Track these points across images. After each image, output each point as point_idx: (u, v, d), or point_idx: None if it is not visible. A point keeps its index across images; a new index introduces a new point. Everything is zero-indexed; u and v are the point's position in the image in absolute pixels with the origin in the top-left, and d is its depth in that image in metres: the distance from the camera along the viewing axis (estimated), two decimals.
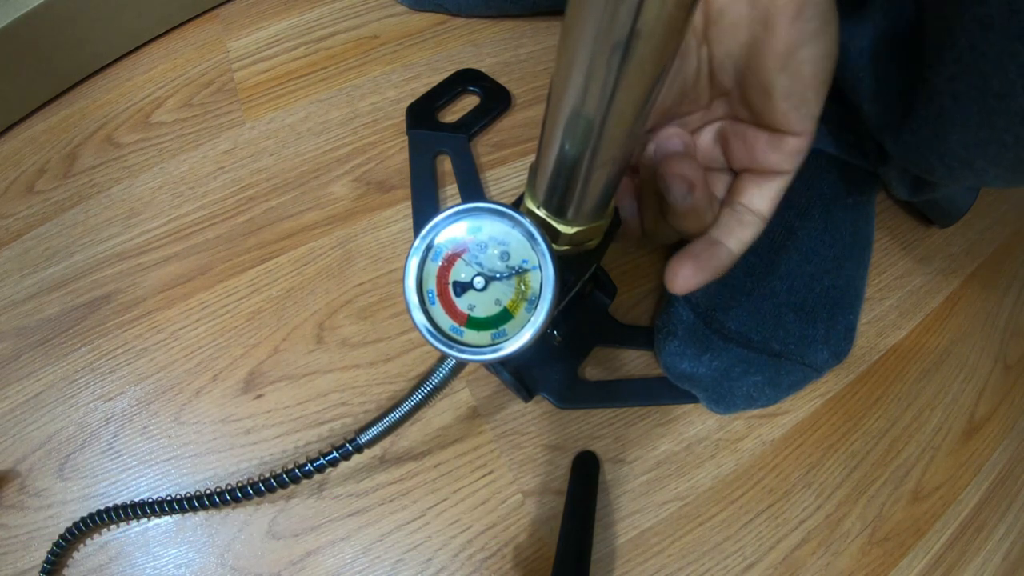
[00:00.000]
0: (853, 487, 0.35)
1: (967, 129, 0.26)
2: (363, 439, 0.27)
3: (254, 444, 0.34)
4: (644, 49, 0.15)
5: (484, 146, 0.43)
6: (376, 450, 0.34)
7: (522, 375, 0.33)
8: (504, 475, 0.34)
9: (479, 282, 0.21)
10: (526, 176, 0.24)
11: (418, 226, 0.40)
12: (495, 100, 0.44)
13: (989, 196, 0.45)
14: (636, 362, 0.37)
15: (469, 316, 0.22)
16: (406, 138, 0.43)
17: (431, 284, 0.22)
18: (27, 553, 0.32)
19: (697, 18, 0.23)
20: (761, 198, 0.26)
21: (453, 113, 0.44)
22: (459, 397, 0.36)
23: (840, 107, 0.35)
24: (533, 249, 0.21)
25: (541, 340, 0.22)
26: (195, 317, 0.37)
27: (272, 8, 0.49)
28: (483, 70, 0.45)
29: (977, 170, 0.27)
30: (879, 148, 0.35)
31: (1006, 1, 0.21)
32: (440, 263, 0.22)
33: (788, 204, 0.36)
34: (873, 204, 0.40)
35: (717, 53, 0.24)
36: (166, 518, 0.33)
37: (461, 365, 0.26)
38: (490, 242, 0.21)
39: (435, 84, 0.45)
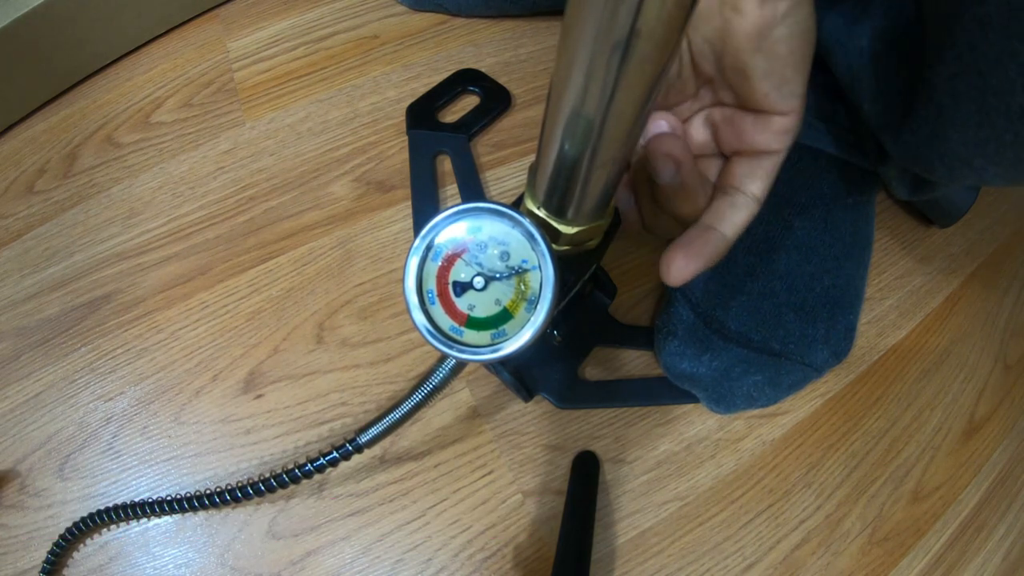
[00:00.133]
0: (853, 487, 0.35)
1: (967, 128, 0.26)
2: (363, 439, 0.27)
3: (254, 444, 0.34)
4: (644, 49, 0.15)
5: (484, 146, 0.43)
6: (376, 450, 0.34)
7: (522, 375, 0.33)
8: (504, 475, 0.34)
9: (479, 282, 0.21)
10: (526, 176, 0.24)
11: (418, 226, 0.40)
12: (495, 100, 0.44)
13: (989, 196, 0.45)
14: (636, 362, 0.37)
15: (469, 316, 0.22)
16: (406, 138, 0.43)
17: (431, 284, 0.22)
18: (27, 553, 0.32)
19: None
20: (752, 179, 0.26)
21: (453, 113, 0.44)
22: (459, 397, 0.36)
23: (840, 106, 0.35)
24: (533, 249, 0.21)
25: (541, 340, 0.22)
26: (195, 317, 0.37)
27: (272, 8, 0.49)
28: (483, 70, 0.45)
29: (977, 169, 0.28)
30: (879, 147, 0.35)
31: (1005, 1, 0.21)
32: (440, 263, 0.22)
33: (788, 203, 0.36)
34: (873, 204, 0.40)
35: (695, 40, 0.24)
36: (166, 518, 0.33)
37: (461, 365, 0.26)
38: (490, 242, 0.21)
39: (435, 84, 0.45)
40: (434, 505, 0.33)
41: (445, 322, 0.22)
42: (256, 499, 0.32)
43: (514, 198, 0.28)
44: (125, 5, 0.44)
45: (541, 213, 0.23)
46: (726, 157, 0.28)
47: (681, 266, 0.24)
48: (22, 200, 0.41)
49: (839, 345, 0.35)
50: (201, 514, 0.33)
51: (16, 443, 0.34)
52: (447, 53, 0.47)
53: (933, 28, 0.27)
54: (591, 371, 0.37)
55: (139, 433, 0.34)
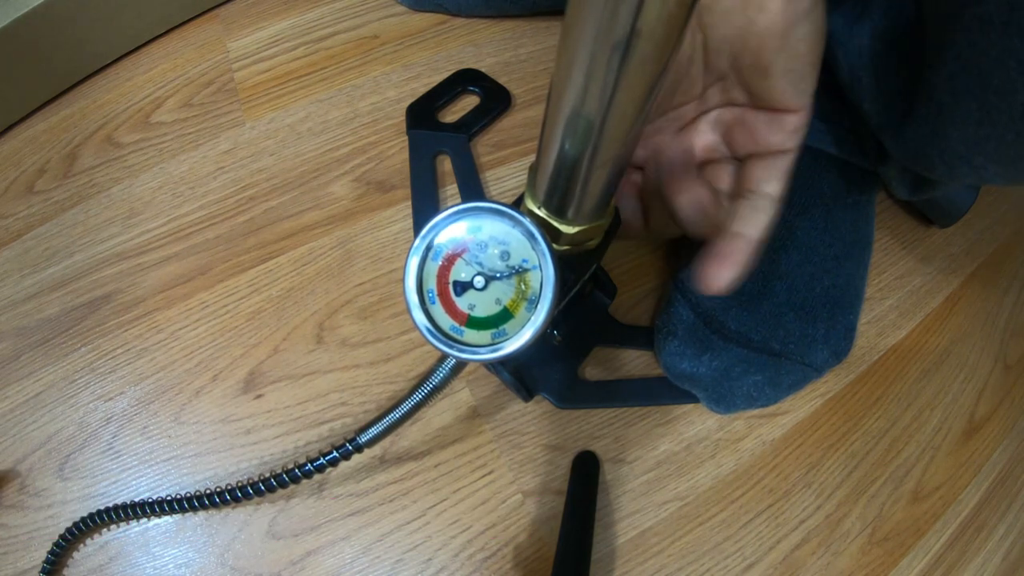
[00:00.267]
0: (853, 487, 0.35)
1: (967, 126, 0.26)
2: (363, 439, 0.27)
3: (254, 444, 0.34)
4: (645, 48, 0.15)
5: (484, 146, 0.43)
6: (376, 450, 0.34)
7: (522, 375, 0.33)
8: (504, 475, 0.34)
9: (479, 282, 0.21)
10: (526, 176, 0.24)
11: (418, 226, 0.40)
12: (495, 100, 0.44)
13: (989, 196, 0.45)
14: (636, 362, 0.37)
15: (469, 316, 0.22)
16: (406, 138, 0.43)
17: (431, 284, 0.22)
18: (27, 553, 0.32)
19: None
20: (770, 180, 0.26)
21: (453, 113, 0.44)
22: (459, 397, 0.36)
23: (840, 106, 0.35)
24: (533, 249, 0.21)
25: (541, 340, 0.22)
26: (195, 317, 0.37)
27: (272, 8, 0.49)
28: (483, 70, 0.45)
29: (977, 167, 0.28)
30: (879, 147, 0.35)
31: None
32: (440, 263, 0.22)
33: (788, 203, 0.36)
34: (873, 204, 0.40)
35: (713, 38, 0.24)
36: (166, 518, 0.33)
37: (461, 365, 0.26)
38: (490, 242, 0.21)
39: (435, 84, 0.45)
40: (434, 505, 0.33)
41: (445, 322, 0.22)
42: (256, 499, 0.32)
43: (514, 198, 0.28)
44: (125, 5, 0.44)
45: (541, 213, 0.23)
46: (737, 159, 0.28)
47: (724, 276, 0.25)
48: (22, 200, 0.41)
49: (839, 345, 0.35)
50: (201, 514, 0.33)
51: (16, 443, 0.34)
52: (447, 53, 0.47)
53: (933, 27, 0.27)
54: (591, 371, 0.37)
55: (139, 433, 0.34)
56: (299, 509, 0.33)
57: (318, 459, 0.28)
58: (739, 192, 0.27)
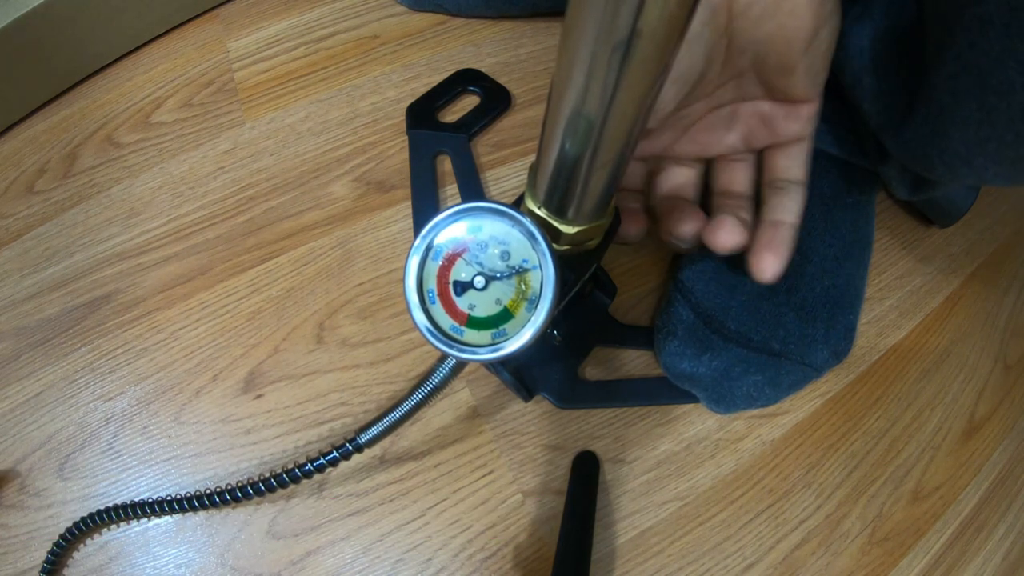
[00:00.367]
0: (853, 487, 0.35)
1: (967, 127, 0.26)
2: (363, 439, 0.27)
3: (254, 444, 0.34)
4: (645, 49, 0.15)
5: (484, 146, 0.43)
6: (376, 450, 0.34)
7: (522, 375, 0.33)
8: (504, 475, 0.34)
9: (479, 282, 0.21)
10: (526, 176, 0.24)
11: (418, 226, 0.40)
12: (495, 100, 0.44)
13: (989, 196, 0.45)
14: (636, 362, 0.37)
15: (469, 316, 0.22)
16: (406, 138, 0.43)
17: (431, 284, 0.22)
18: (27, 553, 0.32)
19: (720, 16, 0.24)
20: (795, 167, 0.28)
21: (453, 113, 0.44)
22: (459, 397, 0.36)
23: (841, 106, 0.35)
24: (533, 249, 0.21)
25: (541, 340, 0.22)
26: (195, 317, 0.37)
27: (272, 8, 0.49)
28: (483, 70, 0.45)
29: (977, 168, 0.28)
30: (879, 147, 0.35)
31: (1005, 0, 0.22)
32: (440, 263, 0.22)
33: None
34: (873, 204, 0.40)
35: (738, 42, 0.25)
36: (166, 518, 0.33)
37: (461, 365, 0.26)
38: (490, 242, 0.21)
39: (435, 84, 0.45)
40: (434, 505, 0.33)
41: (445, 322, 0.22)
42: (256, 499, 0.32)
43: (514, 198, 0.28)
44: (125, 5, 0.44)
45: (541, 213, 0.23)
46: (754, 153, 0.30)
47: (774, 263, 0.27)
48: (22, 200, 0.41)
49: (839, 345, 0.35)
50: (201, 514, 0.33)
51: (16, 443, 0.34)
52: (447, 53, 0.47)
53: (933, 27, 0.27)
54: (591, 371, 0.37)
55: (139, 433, 0.34)
56: (299, 509, 0.33)
57: (318, 459, 0.28)
58: (767, 182, 0.29)
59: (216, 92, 0.45)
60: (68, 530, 0.31)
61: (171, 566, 0.32)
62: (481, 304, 0.22)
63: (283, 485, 0.29)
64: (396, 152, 0.43)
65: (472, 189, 0.41)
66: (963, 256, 0.43)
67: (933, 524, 0.35)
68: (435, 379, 0.26)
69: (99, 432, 0.34)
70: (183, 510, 0.31)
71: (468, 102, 0.45)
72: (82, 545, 0.32)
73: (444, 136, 0.42)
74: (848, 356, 0.36)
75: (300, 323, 0.37)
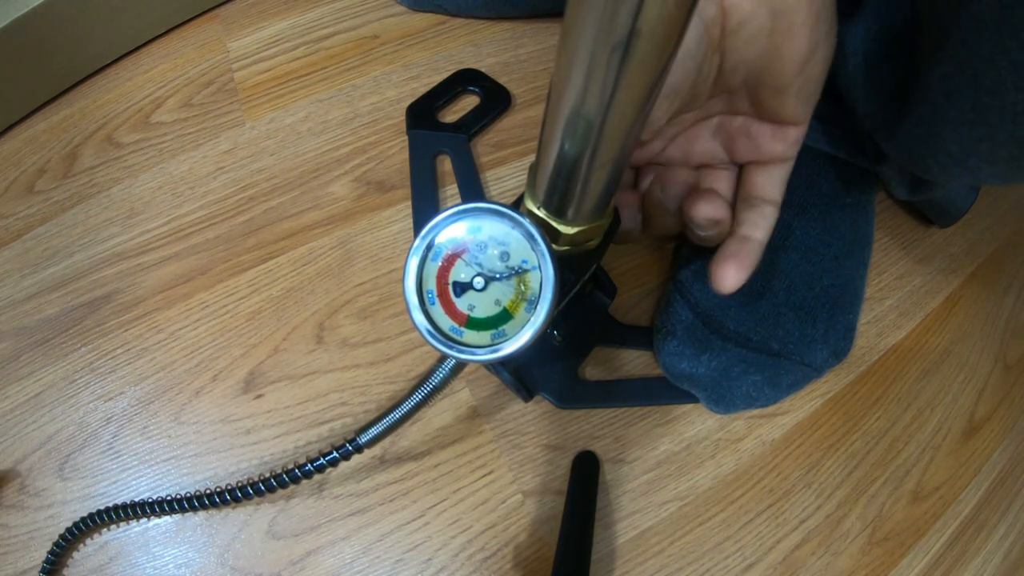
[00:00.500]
0: (853, 487, 0.35)
1: (960, 127, 0.26)
2: (363, 439, 0.27)
3: (254, 444, 0.34)
4: (645, 49, 0.15)
5: (484, 146, 0.43)
6: (376, 450, 0.34)
7: (522, 375, 0.33)
8: (504, 475, 0.34)
9: (479, 282, 0.21)
10: (526, 176, 0.24)
11: (418, 226, 0.40)
12: (495, 100, 0.44)
13: (989, 196, 0.45)
14: (636, 362, 0.37)
15: (469, 316, 0.22)
16: (406, 138, 0.43)
17: (431, 284, 0.22)
18: (27, 553, 0.32)
19: (714, 30, 0.24)
20: (771, 186, 0.28)
21: (453, 113, 0.44)
22: (459, 397, 0.36)
23: (837, 106, 0.35)
24: (533, 249, 0.21)
25: (541, 340, 0.22)
26: (195, 317, 0.37)
27: (272, 8, 0.49)
28: (483, 70, 0.45)
29: (972, 168, 0.28)
30: (877, 147, 0.35)
31: None
32: (440, 263, 0.22)
33: (787, 203, 0.36)
34: (873, 203, 0.40)
35: (730, 59, 0.25)
36: (166, 518, 0.33)
37: (461, 365, 0.26)
38: (490, 242, 0.21)
39: (435, 84, 0.45)
40: (434, 505, 0.33)
41: (445, 322, 0.22)
42: (256, 499, 0.32)
43: (514, 198, 0.28)
44: (125, 5, 0.44)
45: (541, 213, 0.23)
46: (736, 165, 0.29)
47: (735, 276, 0.27)
48: (22, 200, 0.41)
49: (838, 345, 0.35)
50: (201, 514, 0.33)
51: (16, 443, 0.34)
52: (447, 53, 0.47)
53: (928, 26, 0.27)
54: (591, 371, 0.37)
55: (139, 433, 0.34)
56: (299, 509, 0.33)
57: (318, 459, 0.28)
58: (744, 197, 0.28)
59: (216, 92, 0.45)
60: (68, 530, 0.31)
61: (171, 566, 0.32)
62: (480, 305, 0.22)
63: (283, 485, 0.29)
64: (396, 152, 0.43)
65: (472, 189, 0.41)
66: (963, 256, 0.43)
67: (933, 524, 0.35)
68: (435, 379, 0.26)
69: (99, 432, 0.34)
70: (183, 510, 0.31)
71: (468, 102, 0.45)
72: (82, 545, 0.32)
73: (444, 136, 0.42)
74: (848, 356, 0.36)
75: (300, 323, 0.37)
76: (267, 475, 0.29)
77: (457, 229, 0.22)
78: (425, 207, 0.40)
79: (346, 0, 0.49)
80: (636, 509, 0.34)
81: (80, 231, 0.40)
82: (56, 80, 0.44)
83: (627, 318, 0.38)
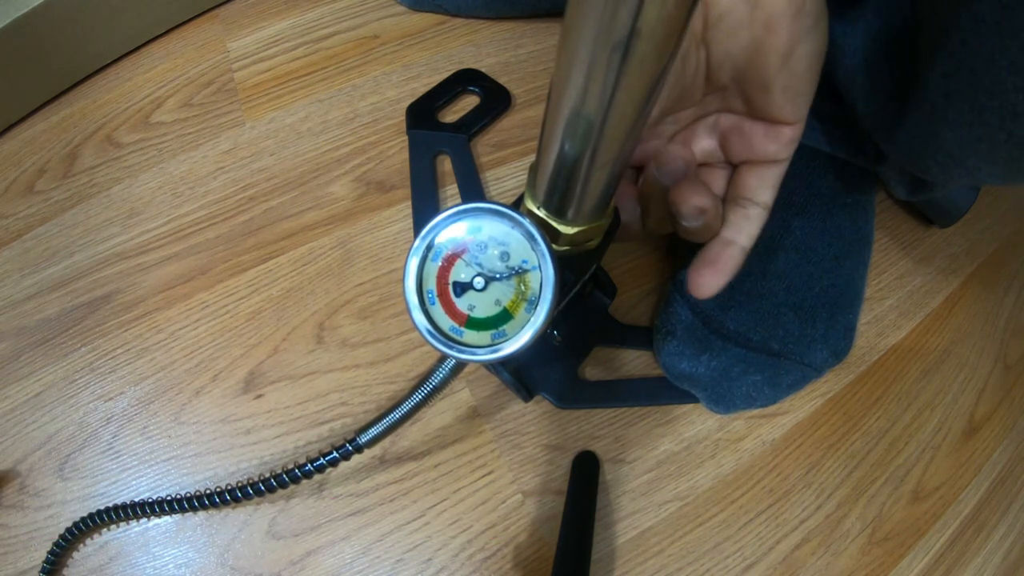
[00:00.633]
0: (853, 487, 0.35)
1: (960, 127, 0.26)
2: (363, 439, 0.27)
3: (254, 444, 0.34)
4: (644, 49, 0.15)
5: (484, 146, 0.43)
6: (376, 450, 0.34)
7: (522, 375, 0.33)
8: (504, 475, 0.34)
9: (479, 282, 0.21)
10: (526, 176, 0.24)
11: (418, 226, 0.40)
12: (495, 100, 0.44)
13: (989, 196, 0.45)
14: (636, 362, 0.37)
15: (469, 316, 0.22)
16: (406, 138, 0.43)
17: (431, 284, 0.22)
18: (27, 553, 0.32)
19: (696, 22, 0.23)
20: (763, 189, 0.27)
21: (453, 113, 0.44)
22: (459, 397, 0.36)
23: (837, 106, 0.35)
24: (533, 249, 0.21)
25: (541, 340, 0.22)
26: (195, 317, 0.37)
27: (272, 8, 0.49)
28: (483, 70, 0.45)
29: (971, 168, 0.28)
30: (876, 147, 0.35)
31: None
32: (440, 263, 0.22)
33: (786, 203, 0.36)
34: (872, 203, 0.40)
35: (715, 54, 0.24)
36: (166, 518, 0.33)
37: (461, 365, 0.26)
38: (490, 242, 0.21)
39: (435, 84, 0.45)
40: (434, 505, 0.33)
41: (445, 322, 0.22)
42: (256, 499, 0.32)
43: (514, 198, 0.28)
44: (125, 5, 0.44)
45: (541, 213, 0.23)
46: (731, 165, 0.29)
47: (712, 282, 0.26)
48: (22, 200, 0.41)
49: (838, 345, 0.35)
50: (201, 514, 0.33)
51: (16, 443, 0.34)
52: (447, 53, 0.47)
53: (927, 26, 0.27)
54: (591, 371, 0.37)
55: (139, 433, 0.34)
56: (299, 509, 0.33)
57: (318, 459, 0.28)
58: (732, 198, 0.28)
59: (216, 92, 0.45)
60: (68, 530, 0.31)
61: (171, 566, 0.32)
62: (481, 305, 0.22)
63: (283, 485, 0.29)
64: (396, 152, 0.43)
65: (472, 189, 0.41)
66: (963, 256, 0.43)
67: (933, 524, 0.35)
68: (435, 379, 0.26)
69: (99, 432, 0.34)
70: (183, 510, 0.31)
71: (468, 102, 0.45)
72: (82, 545, 0.32)
73: (444, 136, 0.42)
74: (848, 356, 0.36)
75: (300, 323, 0.37)
76: (267, 475, 0.29)
77: (457, 229, 0.22)
78: (425, 207, 0.40)
79: (346, 0, 0.49)
80: (636, 509, 0.34)
81: (80, 231, 0.40)
82: (56, 80, 0.44)
83: (627, 318, 0.38)
